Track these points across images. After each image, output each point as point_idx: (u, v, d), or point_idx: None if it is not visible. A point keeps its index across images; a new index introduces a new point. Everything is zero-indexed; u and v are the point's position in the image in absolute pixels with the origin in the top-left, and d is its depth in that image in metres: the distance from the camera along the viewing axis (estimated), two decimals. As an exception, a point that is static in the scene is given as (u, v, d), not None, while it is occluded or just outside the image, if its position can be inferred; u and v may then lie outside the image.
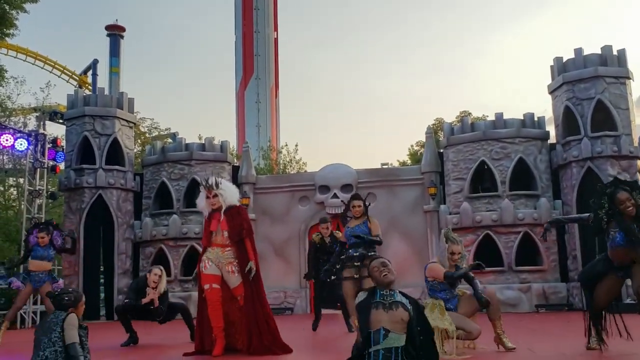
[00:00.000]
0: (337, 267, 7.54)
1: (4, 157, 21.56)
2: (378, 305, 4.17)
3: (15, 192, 24.51)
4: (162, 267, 8.45)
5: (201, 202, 6.83)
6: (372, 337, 4.06)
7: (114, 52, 58.36)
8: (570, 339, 7.12)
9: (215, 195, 6.60)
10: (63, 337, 4.46)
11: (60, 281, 9.28)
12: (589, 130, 13.29)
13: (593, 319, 5.97)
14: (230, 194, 6.76)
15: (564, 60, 14.17)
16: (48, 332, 4.50)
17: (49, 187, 17.97)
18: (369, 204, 7.63)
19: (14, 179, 23.75)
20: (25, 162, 14.81)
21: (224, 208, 6.64)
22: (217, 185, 6.64)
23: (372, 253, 6.92)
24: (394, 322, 4.08)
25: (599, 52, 13.85)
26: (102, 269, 15.41)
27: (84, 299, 4.87)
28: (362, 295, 4.34)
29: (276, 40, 58.63)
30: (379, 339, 4.05)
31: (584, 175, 13.30)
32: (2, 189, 24.68)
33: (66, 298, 4.69)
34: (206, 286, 6.52)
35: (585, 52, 13.91)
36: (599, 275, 5.93)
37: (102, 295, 15.33)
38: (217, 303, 6.52)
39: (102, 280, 15.42)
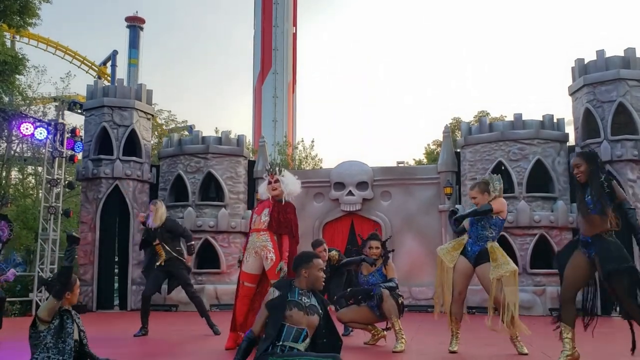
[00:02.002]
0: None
1: (24, 146, 21.82)
2: (294, 306, 4.17)
3: (33, 181, 24.83)
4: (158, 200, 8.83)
5: (262, 187, 6.94)
6: (286, 331, 4.07)
7: (133, 43, 58.85)
8: (585, 344, 7.04)
9: (277, 181, 6.66)
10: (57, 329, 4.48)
11: (10, 272, 8.99)
12: (609, 134, 13.12)
13: (562, 307, 5.34)
14: (291, 182, 6.79)
15: (586, 62, 13.99)
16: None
17: (67, 176, 18.15)
18: (392, 250, 7.10)
19: (33, 167, 24.06)
20: (44, 151, 14.95)
21: (284, 195, 6.67)
22: (280, 170, 6.76)
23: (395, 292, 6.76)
24: (311, 328, 4.18)
25: (622, 54, 13.65)
26: (116, 259, 15.52)
27: (78, 282, 4.85)
28: (273, 292, 4.29)
29: (295, 35, 58.61)
30: (299, 337, 4.09)
31: (602, 179, 13.12)
32: (20, 177, 24.99)
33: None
34: (241, 282, 6.78)
35: (608, 54, 13.72)
36: (570, 251, 5.42)
37: (116, 285, 15.45)
38: (245, 299, 6.72)
39: (116, 271, 15.54)
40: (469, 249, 6.28)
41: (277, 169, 6.79)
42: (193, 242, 9.13)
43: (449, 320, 6.37)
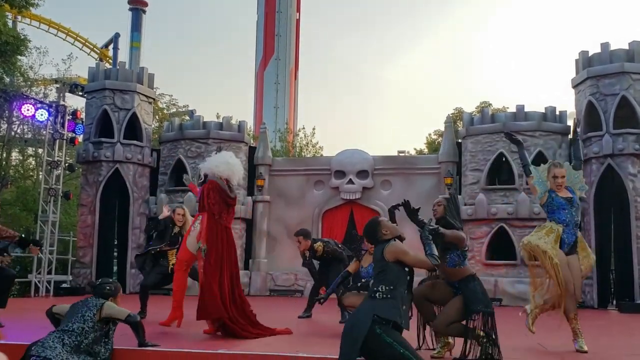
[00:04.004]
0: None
1: (24, 127, 21.76)
2: None
3: (33, 162, 24.78)
4: (184, 207, 8.96)
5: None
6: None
7: (136, 26, 58.49)
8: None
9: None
10: (94, 319, 4.80)
11: None
12: (611, 127, 13.07)
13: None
14: (211, 163, 6.68)
15: (590, 54, 13.91)
16: (83, 309, 4.85)
17: (67, 158, 18.12)
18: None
19: (33, 149, 24.00)
20: (44, 132, 14.92)
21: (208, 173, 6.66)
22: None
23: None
24: None
25: (626, 47, 13.57)
26: (115, 243, 15.53)
27: (121, 291, 5.28)
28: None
29: (298, 21, 58.23)
30: None
31: (603, 172, 13.12)
32: (21, 158, 24.95)
33: (107, 287, 5.09)
34: None
35: (612, 47, 13.63)
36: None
37: (115, 268, 15.48)
38: (176, 274, 7.16)
39: (115, 254, 15.55)
40: (566, 238, 5.72)
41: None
42: None
43: (571, 319, 5.78)
